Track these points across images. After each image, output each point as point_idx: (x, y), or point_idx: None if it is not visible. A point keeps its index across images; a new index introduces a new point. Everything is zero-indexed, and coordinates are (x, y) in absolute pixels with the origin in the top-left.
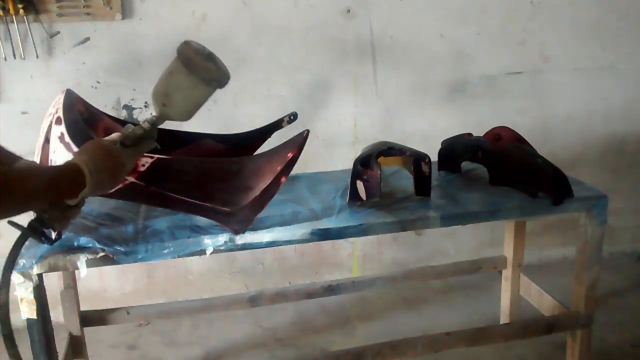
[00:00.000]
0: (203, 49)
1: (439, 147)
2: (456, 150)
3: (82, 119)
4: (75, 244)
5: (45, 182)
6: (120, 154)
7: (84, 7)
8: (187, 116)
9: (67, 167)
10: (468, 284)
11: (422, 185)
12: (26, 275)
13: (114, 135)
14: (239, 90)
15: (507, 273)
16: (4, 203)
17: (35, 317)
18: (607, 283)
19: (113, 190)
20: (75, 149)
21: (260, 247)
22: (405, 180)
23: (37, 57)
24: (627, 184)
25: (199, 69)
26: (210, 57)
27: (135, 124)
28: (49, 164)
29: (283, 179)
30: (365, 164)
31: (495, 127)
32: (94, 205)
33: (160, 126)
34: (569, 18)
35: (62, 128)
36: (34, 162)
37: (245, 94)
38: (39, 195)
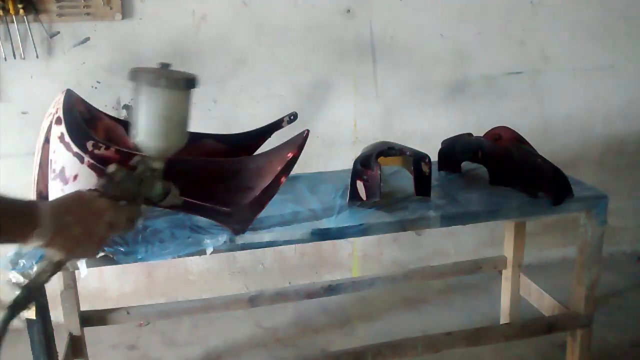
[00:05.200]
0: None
1: (439, 147)
2: (456, 150)
3: (82, 119)
4: None
5: None
6: (95, 199)
7: (84, 7)
8: (162, 137)
9: (18, 201)
10: (468, 284)
11: (422, 185)
12: (26, 276)
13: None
14: (239, 90)
15: (507, 273)
16: None
17: (35, 317)
18: (607, 283)
19: None
20: (76, 149)
21: (260, 247)
22: (405, 180)
23: (37, 57)
24: (627, 184)
25: (138, 74)
26: (163, 65)
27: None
28: (49, 164)
29: (283, 179)
30: (365, 164)
31: (495, 127)
32: None
33: None
34: (569, 18)
35: (62, 128)
36: None
37: (245, 94)
38: None
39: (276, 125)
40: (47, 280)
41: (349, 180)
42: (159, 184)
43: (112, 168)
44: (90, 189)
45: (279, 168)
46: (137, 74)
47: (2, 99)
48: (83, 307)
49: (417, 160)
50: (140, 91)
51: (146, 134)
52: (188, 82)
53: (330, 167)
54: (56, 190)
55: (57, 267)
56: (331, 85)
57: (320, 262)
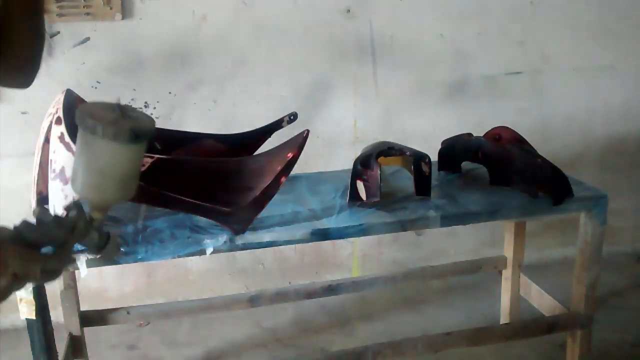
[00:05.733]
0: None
1: (439, 147)
2: (456, 150)
3: None
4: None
5: None
6: (1, 247)
7: (84, 7)
8: (99, 192)
9: None
10: (468, 284)
11: (422, 185)
12: None
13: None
14: (239, 90)
15: (507, 273)
16: None
17: (35, 317)
18: (607, 283)
19: None
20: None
21: (260, 247)
22: (405, 180)
23: None
24: (627, 184)
25: (80, 115)
26: (120, 106)
27: None
28: (49, 164)
29: (283, 179)
30: (365, 164)
31: (495, 127)
32: None
33: (163, 126)
34: (569, 18)
35: (62, 128)
36: None
37: (245, 94)
38: None
39: (276, 125)
40: None
41: (349, 180)
42: (95, 234)
43: (36, 210)
44: (5, 229)
45: (279, 168)
46: (79, 115)
47: (2, 99)
48: (83, 307)
49: (417, 160)
50: (80, 135)
51: (82, 184)
52: (134, 135)
53: (330, 167)
54: (56, 190)
55: None
56: (331, 85)
57: (320, 262)
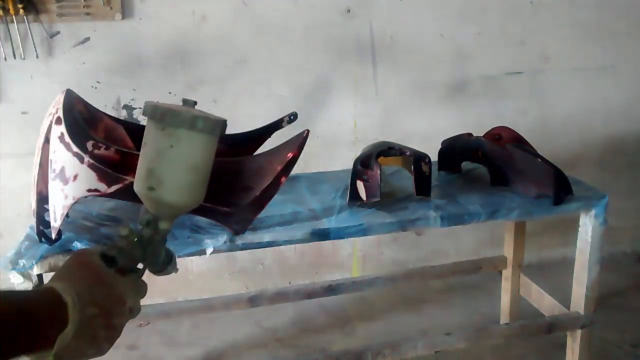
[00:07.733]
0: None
1: (439, 147)
2: (456, 150)
3: (82, 119)
4: (75, 244)
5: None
6: (116, 278)
7: (84, 7)
8: (189, 192)
9: (40, 293)
10: (468, 284)
11: (422, 185)
12: (26, 276)
13: (94, 249)
14: (239, 90)
15: (507, 273)
16: None
17: None
18: (607, 283)
19: (113, 191)
20: (76, 149)
21: (260, 247)
22: (405, 180)
23: (37, 57)
24: (627, 184)
25: (169, 113)
26: (186, 101)
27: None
28: (49, 164)
29: (283, 179)
30: (365, 164)
31: (495, 127)
32: (93, 205)
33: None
34: (569, 18)
35: (62, 128)
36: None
37: (245, 94)
38: None
39: (276, 125)
40: None
41: (349, 180)
42: (163, 250)
43: (124, 231)
44: (96, 256)
45: (279, 168)
46: (164, 112)
47: (2, 99)
48: None
49: (417, 160)
50: (167, 134)
51: (170, 187)
52: (224, 126)
53: (330, 167)
54: (56, 190)
55: None
56: (331, 85)
57: (320, 262)
